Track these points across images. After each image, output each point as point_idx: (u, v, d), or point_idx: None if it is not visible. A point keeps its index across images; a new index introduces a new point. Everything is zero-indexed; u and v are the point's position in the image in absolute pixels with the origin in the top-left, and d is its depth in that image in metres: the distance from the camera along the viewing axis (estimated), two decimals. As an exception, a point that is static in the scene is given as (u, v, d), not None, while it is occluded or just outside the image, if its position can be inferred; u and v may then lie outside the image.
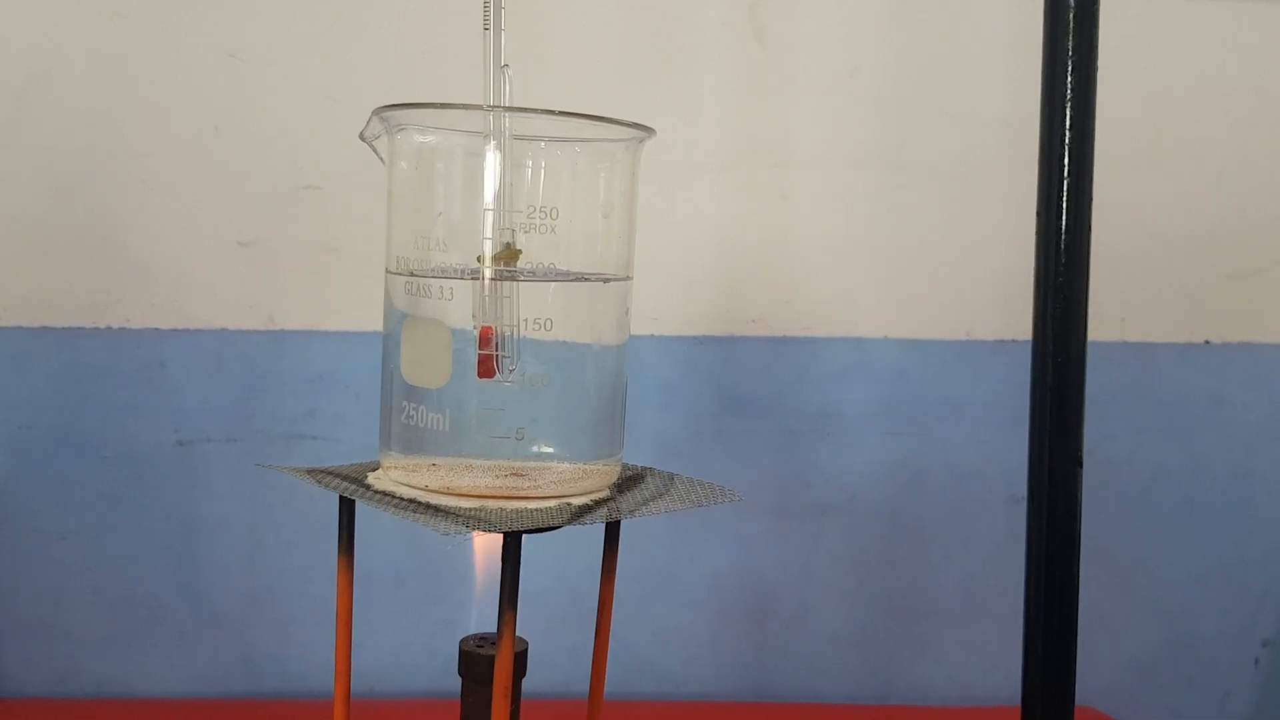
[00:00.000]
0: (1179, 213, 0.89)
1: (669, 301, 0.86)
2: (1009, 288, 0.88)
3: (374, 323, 0.84)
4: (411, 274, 0.43)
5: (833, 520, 0.89)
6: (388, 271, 0.44)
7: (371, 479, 0.45)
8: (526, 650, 0.46)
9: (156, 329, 0.84)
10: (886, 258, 0.88)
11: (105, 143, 0.82)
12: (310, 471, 0.45)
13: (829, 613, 0.90)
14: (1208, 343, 0.90)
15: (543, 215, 0.43)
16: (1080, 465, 0.46)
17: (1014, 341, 0.88)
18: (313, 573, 0.85)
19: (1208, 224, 0.90)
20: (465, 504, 0.42)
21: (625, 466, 0.49)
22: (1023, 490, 0.89)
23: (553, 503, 0.43)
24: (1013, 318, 0.88)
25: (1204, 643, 0.92)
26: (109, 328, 0.84)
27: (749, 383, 0.88)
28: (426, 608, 0.86)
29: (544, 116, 0.42)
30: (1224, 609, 0.92)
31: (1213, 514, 0.91)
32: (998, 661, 0.90)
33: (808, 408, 0.88)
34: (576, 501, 0.43)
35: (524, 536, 0.41)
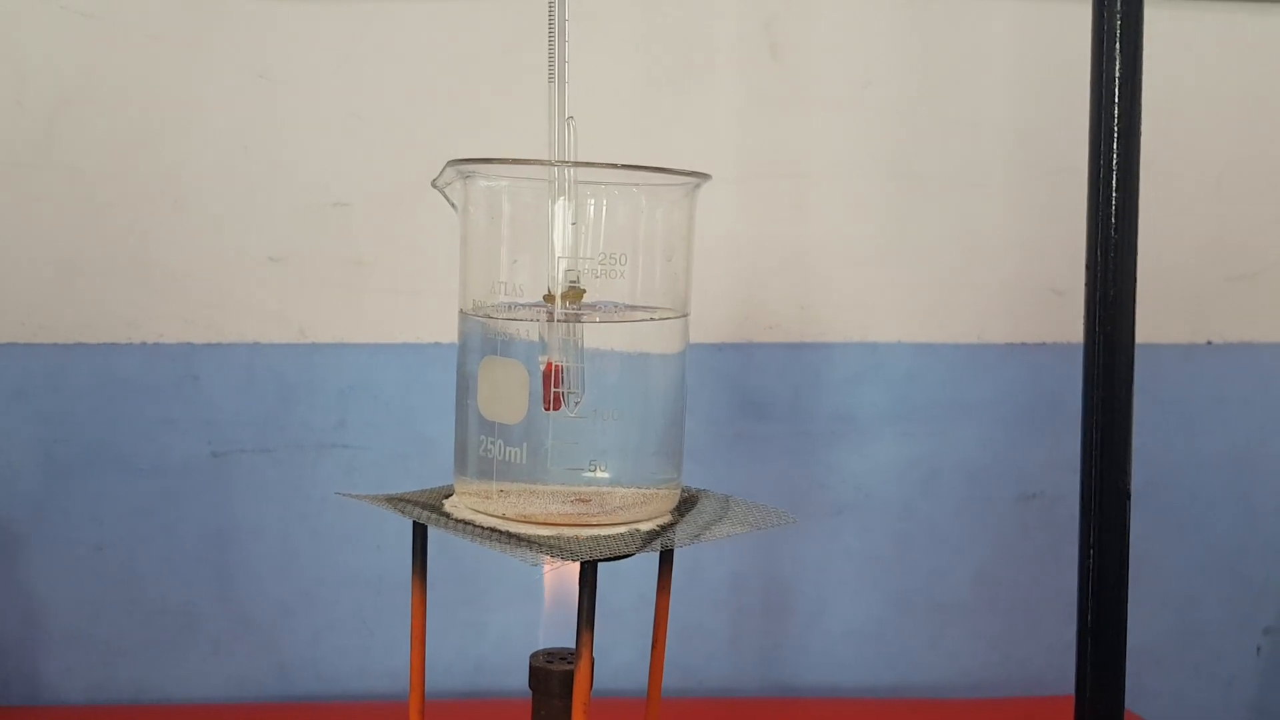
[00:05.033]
0: (1180, 215, 0.92)
1: (688, 310, 0.89)
2: (1018, 292, 0.91)
3: (401, 335, 0.87)
4: (487, 316, 0.45)
5: (848, 519, 0.91)
6: (461, 312, 0.47)
7: (448, 506, 0.48)
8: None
9: (189, 343, 0.86)
10: (899, 264, 0.90)
11: (137, 162, 0.84)
12: (389, 499, 0.47)
13: (845, 609, 0.92)
14: (1210, 343, 0.93)
15: (607, 259, 0.45)
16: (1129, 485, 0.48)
17: (1023, 344, 0.91)
18: (345, 579, 0.88)
19: (1209, 226, 0.92)
20: (542, 532, 0.44)
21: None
22: (1031, 488, 0.92)
23: (622, 528, 0.45)
24: (1022, 321, 0.91)
25: (1207, 631, 0.95)
26: (143, 343, 0.85)
27: (766, 387, 0.90)
28: (456, 609, 0.89)
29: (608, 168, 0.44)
30: (1226, 599, 0.95)
31: (1214, 508, 0.94)
32: (1009, 653, 0.93)
33: (823, 411, 0.91)
34: (644, 527, 0.46)
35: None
